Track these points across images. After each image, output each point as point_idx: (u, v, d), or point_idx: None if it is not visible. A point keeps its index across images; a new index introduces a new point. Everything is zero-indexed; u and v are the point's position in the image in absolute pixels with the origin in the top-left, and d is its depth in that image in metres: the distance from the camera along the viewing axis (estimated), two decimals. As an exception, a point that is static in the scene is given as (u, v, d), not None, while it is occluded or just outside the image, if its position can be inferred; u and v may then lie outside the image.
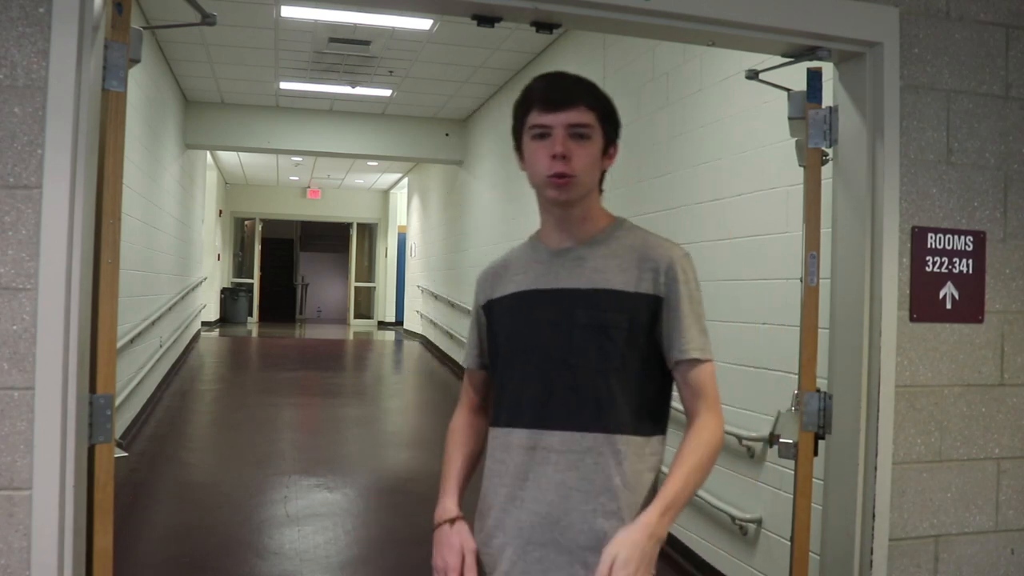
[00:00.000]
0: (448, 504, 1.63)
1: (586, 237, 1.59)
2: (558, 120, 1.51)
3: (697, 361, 1.54)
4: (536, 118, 1.53)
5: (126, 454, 2.00)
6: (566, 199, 1.54)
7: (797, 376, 2.51)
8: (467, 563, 1.54)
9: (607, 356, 1.51)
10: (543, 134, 1.52)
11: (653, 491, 1.53)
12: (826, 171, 2.52)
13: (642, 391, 1.54)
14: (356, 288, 20.52)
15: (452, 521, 1.60)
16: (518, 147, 1.60)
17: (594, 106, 1.54)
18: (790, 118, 2.52)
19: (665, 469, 1.53)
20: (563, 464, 1.51)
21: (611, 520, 1.49)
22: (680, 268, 1.55)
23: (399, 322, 18.07)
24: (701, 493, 3.93)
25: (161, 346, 8.20)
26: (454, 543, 1.56)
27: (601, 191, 1.62)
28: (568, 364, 1.52)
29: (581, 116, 1.52)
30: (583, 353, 1.52)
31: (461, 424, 1.74)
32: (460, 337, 10.18)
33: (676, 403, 1.61)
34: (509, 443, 1.56)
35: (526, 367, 1.56)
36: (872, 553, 2.40)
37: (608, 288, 1.54)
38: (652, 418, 1.56)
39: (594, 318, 1.52)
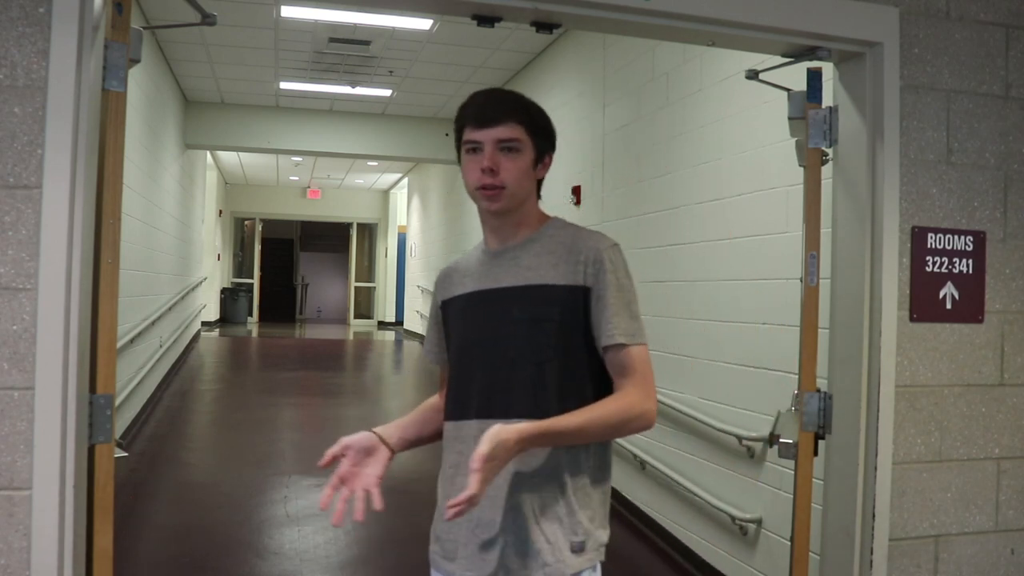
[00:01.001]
0: (377, 429, 1.73)
1: (521, 239, 1.69)
2: (487, 136, 1.60)
3: (623, 346, 1.59)
4: (469, 134, 1.63)
5: (126, 454, 2.00)
6: (497, 208, 1.63)
7: (797, 376, 2.51)
8: (347, 456, 1.65)
9: (540, 347, 1.60)
10: (475, 148, 1.62)
11: (589, 473, 1.61)
12: (826, 171, 2.52)
13: (576, 378, 1.62)
14: (356, 288, 20.52)
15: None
16: (460, 160, 1.68)
17: (522, 121, 1.63)
18: (790, 118, 2.52)
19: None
20: None
21: (546, 503, 1.57)
22: (607, 258, 1.62)
23: (399, 322, 18.07)
24: (701, 493, 3.94)
25: (161, 346, 8.20)
26: (342, 439, 1.67)
27: (539, 197, 1.72)
28: (507, 357, 1.62)
29: (509, 131, 1.61)
30: (519, 345, 1.61)
31: (434, 398, 1.85)
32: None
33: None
34: (460, 435, 1.66)
35: (472, 363, 1.67)
36: (872, 553, 2.40)
37: (540, 283, 1.63)
38: (586, 404, 1.60)
39: (527, 312, 1.62)
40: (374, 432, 1.69)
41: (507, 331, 1.63)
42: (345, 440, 1.65)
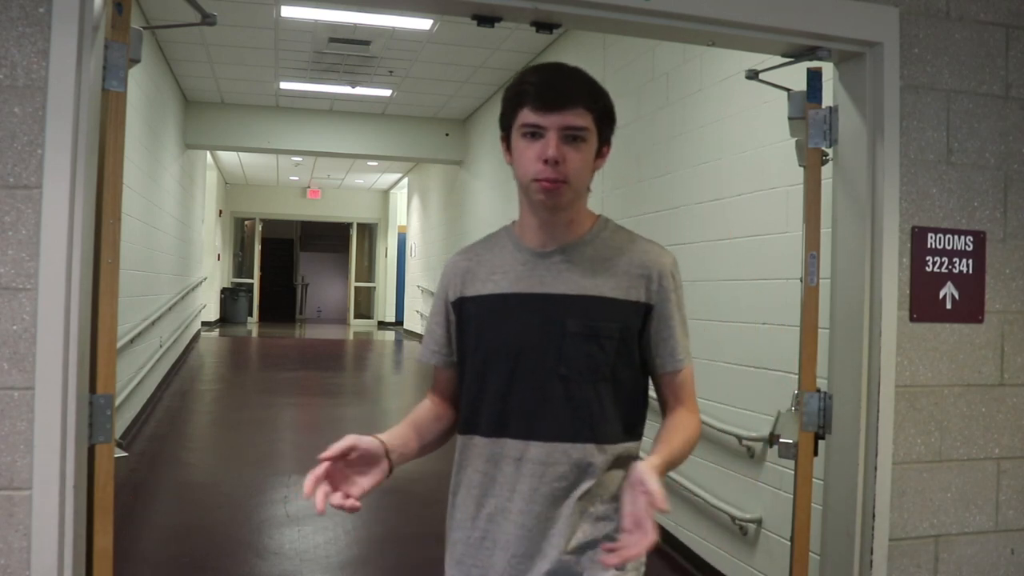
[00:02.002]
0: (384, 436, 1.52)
1: (571, 239, 1.52)
2: (552, 122, 1.42)
3: (686, 368, 1.55)
4: (529, 116, 1.43)
5: (126, 454, 2.00)
6: (555, 204, 1.47)
7: (797, 376, 2.51)
8: (348, 457, 1.42)
9: (597, 366, 1.48)
10: (535, 133, 1.43)
11: None
12: (826, 171, 2.52)
13: (628, 399, 1.53)
14: (356, 288, 20.52)
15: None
16: (506, 138, 1.50)
17: (592, 107, 1.45)
18: (790, 118, 2.52)
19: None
20: (550, 476, 1.47)
21: (591, 522, 1.48)
22: (671, 276, 1.53)
23: (399, 322, 18.07)
24: (701, 493, 3.94)
25: (161, 346, 8.20)
26: (352, 436, 1.44)
27: (589, 190, 1.55)
28: (558, 374, 1.47)
29: (577, 119, 1.43)
30: (574, 362, 1.47)
31: (426, 404, 1.64)
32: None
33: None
34: (494, 453, 1.51)
35: (512, 375, 1.50)
36: (872, 553, 2.40)
37: (598, 295, 1.49)
38: (637, 423, 1.56)
39: (585, 326, 1.47)
40: (382, 442, 1.47)
41: (558, 344, 1.47)
42: (353, 440, 1.42)
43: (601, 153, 1.50)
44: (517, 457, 1.49)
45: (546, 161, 1.41)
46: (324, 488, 1.38)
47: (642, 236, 1.58)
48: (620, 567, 1.44)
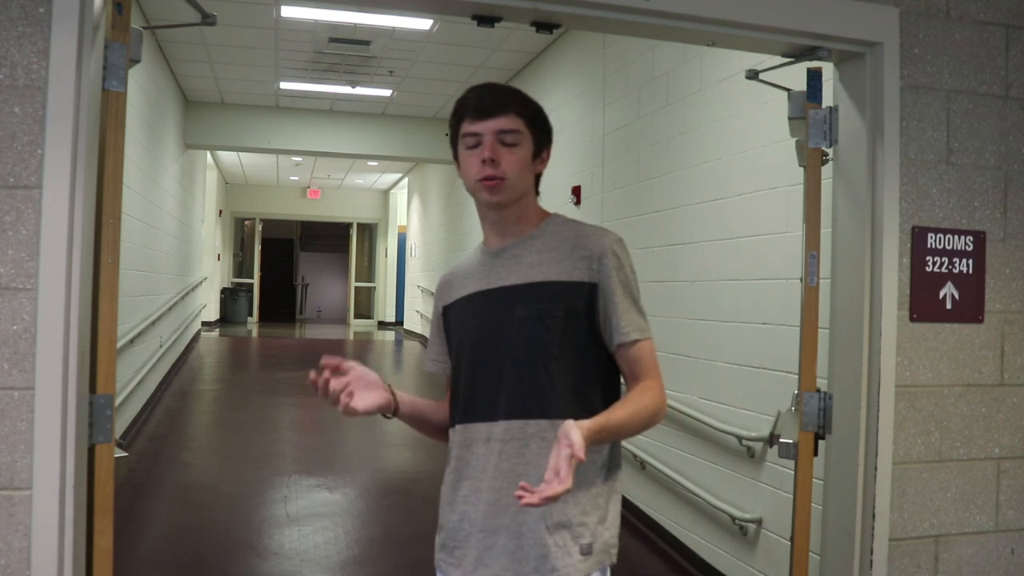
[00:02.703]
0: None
1: (522, 235, 1.66)
2: (487, 127, 1.58)
3: (636, 341, 1.60)
4: (468, 127, 1.60)
5: (126, 454, 2.00)
6: (498, 201, 1.61)
7: (797, 376, 2.51)
8: (349, 372, 1.62)
9: (545, 345, 1.58)
10: (475, 143, 1.60)
11: (598, 472, 1.59)
12: (826, 171, 2.52)
13: (583, 375, 1.60)
14: (356, 288, 20.52)
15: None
16: (455, 156, 1.66)
17: (522, 113, 1.61)
18: (790, 118, 2.52)
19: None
20: (509, 451, 1.58)
21: (559, 502, 1.48)
22: (612, 253, 1.61)
23: (399, 322, 18.07)
24: (701, 493, 3.94)
25: (161, 346, 8.20)
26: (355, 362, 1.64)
27: (538, 193, 1.70)
28: (511, 357, 1.59)
29: (509, 123, 1.59)
30: (523, 344, 1.59)
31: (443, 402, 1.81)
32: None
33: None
34: (467, 438, 1.63)
35: (474, 364, 1.64)
36: (872, 553, 2.40)
37: (543, 280, 1.61)
38: (594, 401, 1.60)
39: (531, 310, 1.59)
40: (388, 386, 1.67)
41: (510, 330, 1.60)
42: (354, 363, 1.62)
43: (541, 157, 1.67)
44: (485, 439, 1.61)
45: (483, 161, 1.58)
46: (326, 376, 1.57)
47: (589, 223, 1.69)
48: (586, 552, 1.55)
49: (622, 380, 1.66)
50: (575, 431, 1.37)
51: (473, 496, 1.61)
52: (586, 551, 1.56)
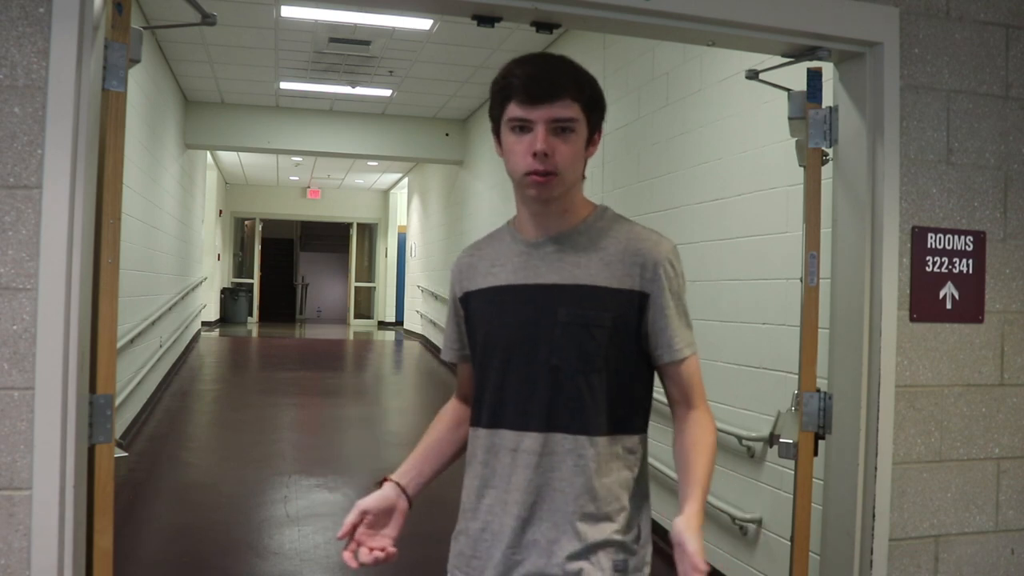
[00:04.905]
0: (396, 474, 1.60)
1: (566, 228, 1.51)
2: (540, 115, 1.41)
3: (686, 358, 1.50)
4: (516, 111, 1.43)
5: (126, 454, 2.00)
6: (547, 197, 1.46)
7: (797, 376, 2.51)
8: (365, 521, 1.52)
9: (588, 356, 1.46)
10: (523, 127, 1.43)
11: (633, 489, 1.50)
12: (826, 171, 2.52)
13: (623, 390, 1.49)
14: (356, 288, 20.51)
15: (381, 483, 1.58)
16: (495, 130, 1.51)
17: (578, 97, 1.44)
18: (790, 118, 2.52)
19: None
20: (544, 466, 1.46)
21: (588, 522, 1.45)
22: (668, 263, 1.49)
23: (399, 322, 18.07)
24: (701, 493, 3.94)
25: (161, 346, 8.20)
26: (360, 503, 1.53)
27: (584, 178, 1.54)
28: (550, 364, 1.46)
29: (565, 110, 1.42)
30: (565, 353, 1.46)
31: (446, 411, 1.70)
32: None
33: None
34: (493, 444, 1.51)
35: (507, 366, 1.50)
36: (872, 553, 2.40)
37: (590, 284, 1.47)
38: (632, 417, 1.51)
39: (576, 316, 1.45)
40: (392, 481, 1.56)
41: (550, 335, 1.46)
42: (362, 505, 1.50)
43: (592, 141, 1.50)
44: (513, 448, 1.48)
45: (535, 155, 1.41)
46: (352, 548, 1.49)
47: (641, 224, 1.55)
48: (620, 569, 1.45)
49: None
50: (690, 538, 1.31)
51: (499, 507, 1.49)
52: (620, 567, 1.45)
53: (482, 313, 1.55)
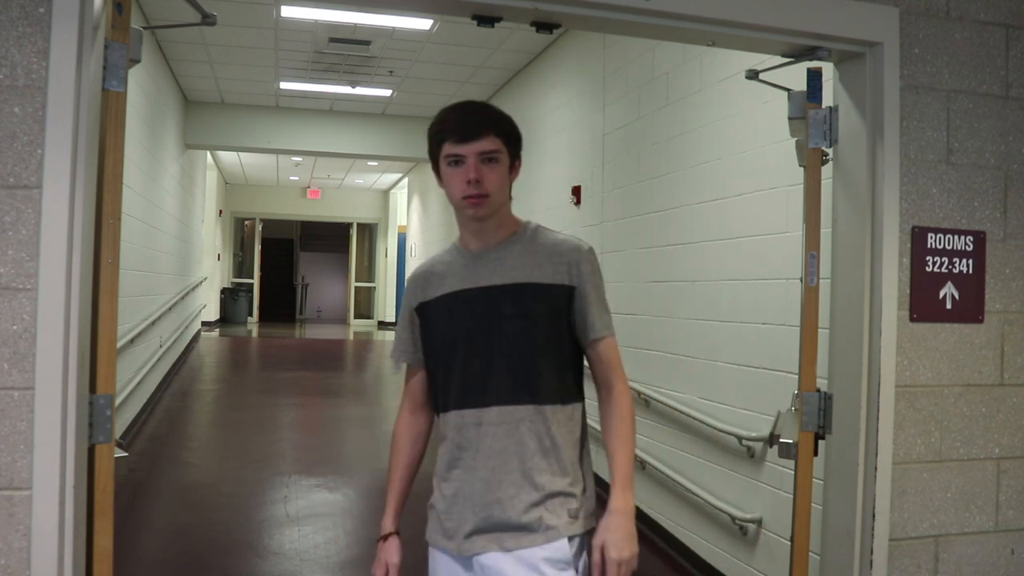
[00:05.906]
0: (386, 521, 1.92)
1: (502, 239, 1.82)
2: (470, 150, 1.73)
3: (605, 337, 1.81)
4: (451, 148, 1.74)
5: (126, 454, 2.00)
6: (483, 215, 1.76)
7: (797, 376, 2.51)
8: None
9: (532, 340, 1.76)
10: (458, 161, 1.74)
11: (579, 448, 1.80)
12: (826, 171, 2.52)
13: (563, 366, 1.80)
14: (356, 288, 20.52)
15: (386, 537, 1.89)
16: (435, 168, 1.81)
17: (500, 133, 1.76)
18: (790, 118, 2.52)
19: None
20: (501, 433, 1.75)
21: (543, 475, 1.73)
22: (588, 261, 1.81)
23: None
24: (701, 493, 3.94)
25: (161, 346, 8.20)
26: (382, 559, 1.87)
27: (510, 198, 1.85)
28: (501, 350, 1.76)
29: (490, 144, 1.74)
30: (512, 339, 1.76)
31: (403, 430, 1.98)
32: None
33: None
34: (461, 423, 1.79)
35: (466, 356, 1.79)
36: (872, 553, 2.41)
37: (528, 282, 1.78)
38: (572, 389, 1.81)
39: (518, 308, 1.76)
40: (394, 534, 1.91)
41: (499, 326, 1.76)
42: (394, 562, 1.88)
43: (514, 167, 1.82)
44: (477, 423, 1.77)
45: (469, 182, 1.72)
46: None
47: (563, 233, 1.88)
48: (574, 516, 1.74)
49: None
50: (612, 547, 1.69)
51: (467, 474, 1.76)
52: (574, 515, 1.74)
53: (439, 317, 1.85)
